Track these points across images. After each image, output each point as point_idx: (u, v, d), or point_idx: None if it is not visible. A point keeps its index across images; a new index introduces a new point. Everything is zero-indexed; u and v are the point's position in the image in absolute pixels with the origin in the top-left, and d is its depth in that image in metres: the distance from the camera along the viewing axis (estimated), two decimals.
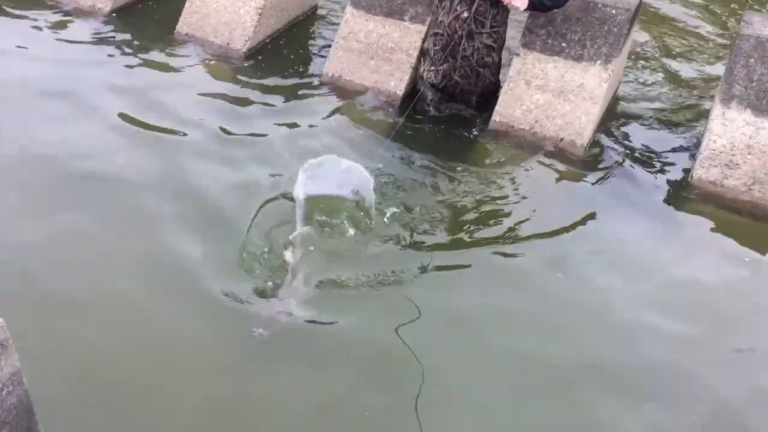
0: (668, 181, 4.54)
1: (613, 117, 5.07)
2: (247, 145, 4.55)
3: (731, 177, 4.43)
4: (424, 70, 4.90)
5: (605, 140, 4.83)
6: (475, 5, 4.53)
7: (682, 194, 4.44)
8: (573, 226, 4.11)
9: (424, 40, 4.98)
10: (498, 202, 4.23)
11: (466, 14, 4.55)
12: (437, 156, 4.55)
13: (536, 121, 4.79)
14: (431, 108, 4.89)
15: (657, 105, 5.23)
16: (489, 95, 4.94)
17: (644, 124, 5.03)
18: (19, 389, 1.92)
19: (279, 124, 4.77)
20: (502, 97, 4.89)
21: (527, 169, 4.52)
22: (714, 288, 3.78)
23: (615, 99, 5.20)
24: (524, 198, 4.27)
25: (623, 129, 4.98)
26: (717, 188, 4.44)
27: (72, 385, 2.94)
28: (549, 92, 4.81)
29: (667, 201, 4.39)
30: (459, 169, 4.46)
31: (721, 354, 3.39)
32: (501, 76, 4.99)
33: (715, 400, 3.16)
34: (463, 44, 4.63)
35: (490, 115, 4.86)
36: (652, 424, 3.03)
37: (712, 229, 4.20)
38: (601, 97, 4.73)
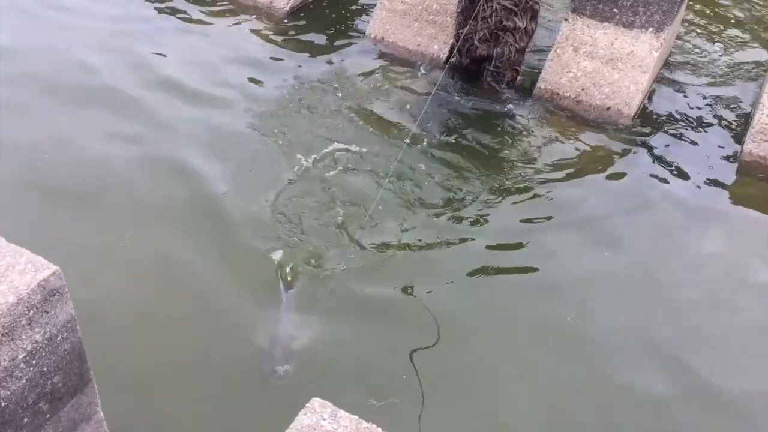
0: (717, 155, 4.42)
1: (662, 87, 4.94)
2: (280, 104, 4.52)
3: None
4: (452, 54, 4.83)
5: (653, 111, 4.72)
6: None
7: (731, 168, 4.33)
8: (618, 199, 4.04)
9: None
10: (541, 173, 4.16)
11: None
12: (477, 122, 4.48)
13: (583, 89, 4.69)
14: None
15: (707, 77, 5.08)
16: (510, 63, 4.69)
17: (694, 96, 4.89)
18: (72, 336, 1.93)
19: (320, 84, 4.72)
20: (548, 63, 4.79)
21: (572, 139, 4.43)
22: (759, 263, 3.69)
23: (665, 68, 5.06)
24: (569, 168, 4.19)
25: (672, 99, 4.85)
26: (767, 163, 4.33)
27: (120, 334, 2.97)
28: (597, 59, 4.70)
29: (716, 175, 4.28)
30: (499, 136, 4.39)
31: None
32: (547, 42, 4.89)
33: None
34: (482, 5, 4.48)
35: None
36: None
37: (761, 204, 4.09)
38: (651, 67, 4.61)
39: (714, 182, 4.22)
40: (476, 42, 4.59)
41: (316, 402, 1.58)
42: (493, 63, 4.64)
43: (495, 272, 3.50)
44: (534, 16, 4.57)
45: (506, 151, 4.29)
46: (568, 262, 3.60)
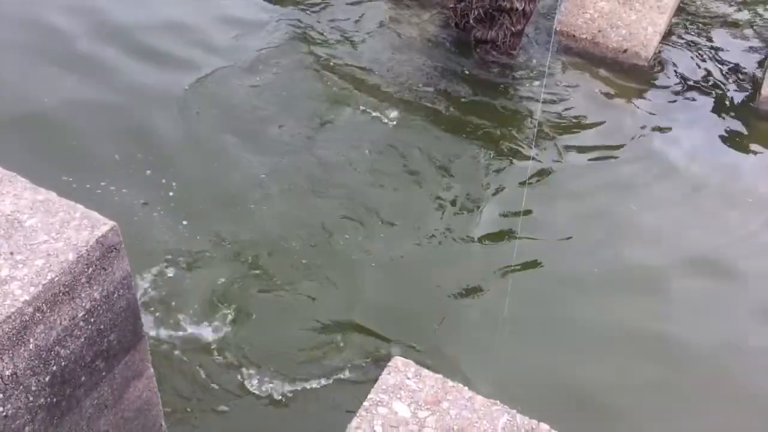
0: (735, 99, 4.39)
1: (677, 29, 4.85)
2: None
3: None
4: (451, 19, 4.49)
5: (670, 53, 4.66)
6: None
7: (750, 111, 4.30)
8: (637, 145, 4.00)
9: None
10: (558, 116, 4.10)
11: None
12: (486, 68, 4.38)
13: (599, 31, 4.60)
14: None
15: (724, 18, 5.00)
16: (505, 46, 4.36)
17: (710, 39, 4.82)
18: (128, 293, 1.87)
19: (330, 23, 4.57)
20: (564, 4, 4.68)
21: (589, 82, 4.36)
22: None
23: (680, 9, 4.97)
24: (585, 113, 4.14)
25: (688, 41, 4.78)
26: None
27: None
28: (614, 0, 4.60)
29: (734, 118, 4.25)
30: (514, 79, 4.30)
31: None
32: None
33: None
34: None
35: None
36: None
37: None
38: (670, 7, 4.53)
39: (732, 125, 4.19)
40: (471, 21, 4.28)
41: (398, 361, 1.55)
42: (488, 48, 4.35)
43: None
44: None
45: (517, 95, 4.20)
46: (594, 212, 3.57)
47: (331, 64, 4.19)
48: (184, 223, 3.20)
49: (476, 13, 4.22)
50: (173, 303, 2.88)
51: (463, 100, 4.07)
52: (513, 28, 4.24)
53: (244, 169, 3.53)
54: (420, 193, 3.50)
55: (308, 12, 4.60)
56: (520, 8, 4.15)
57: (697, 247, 3.41)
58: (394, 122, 3.85)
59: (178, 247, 3.10)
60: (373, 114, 3.88)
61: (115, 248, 1.78)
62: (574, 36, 4.63)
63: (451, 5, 4.39)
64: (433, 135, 3.84)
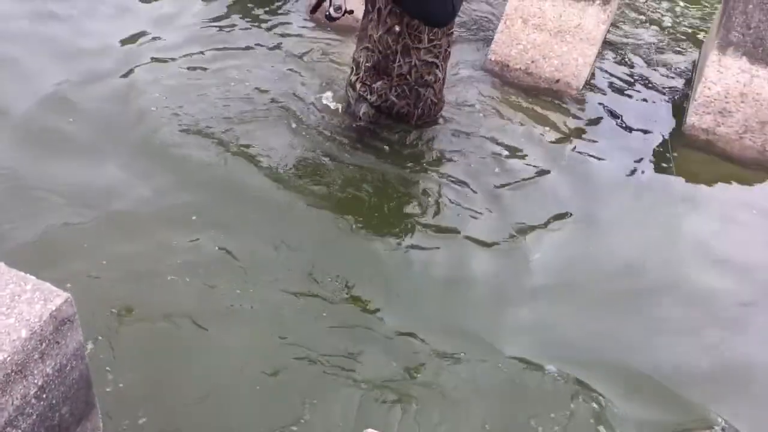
0: (661, 128, 4.55)
1: (605, 60, 5.02)
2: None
3: (724, 125, 4.47)
4: (356, 80, 4.06)
5: (599, 83, 4.80)
6: (407, 17, 3.68)
7: (675, 141, 4.46)
8: (567, 171, 4.08)
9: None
10: (491, 145, 4.15)
11: (398, 28, 3.71)
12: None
13: (532, 61, 4.70)
14: (363, 122, 4.06)
15: (647, 50, 5.20)
16: (430, 116, 4.15)
17: (638, 67, 5.00)
18: (81, 364, 1.79)
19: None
20: (498, 35, 4.77)
21: (522, 110, 4.44)
22: (703, 234, 3.82)
23: (609, 39, 5.14)
24: (518, 141, 4.21)
25: (616, 72, 4.94)
26: (709, 136, 4.48)
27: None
28: (546, 32, 4.71)
29: (660, 147, 4.40)
30: (452, 107, 4.35)
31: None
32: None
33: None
34: (399, 61, 3.81)
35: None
36: None
37: (703, 177, 4.24)
38: (599, 39, 4.67)
39: (658, 154, 4.33)
40: (392, 98, 3.97)
41: None
42: (414, 121, 4.10)
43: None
44: (447, 57, 4.01)
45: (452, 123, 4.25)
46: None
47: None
48: None
49: (399, 90, 3.93)
50: None
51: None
52: (435, 98, 4.06)
53: None
54: None
55: None
56: (443, 76, 4.01)
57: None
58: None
59: None
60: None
61: (69, 320, 1.70)
62: (508, 66, 4.72)
63: (368, 83, 3.98)
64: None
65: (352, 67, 4.11)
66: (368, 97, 4.00)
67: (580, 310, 3.27)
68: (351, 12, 3.69)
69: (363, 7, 3.90)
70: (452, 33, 3.91)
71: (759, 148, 4.41)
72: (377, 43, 3.80)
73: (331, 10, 3.62)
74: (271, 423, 2.60)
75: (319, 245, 3.36)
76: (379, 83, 3.93)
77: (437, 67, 3.90)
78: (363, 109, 4.01)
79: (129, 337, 2.79)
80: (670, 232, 3.77)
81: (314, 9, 3.90)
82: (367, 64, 3.93)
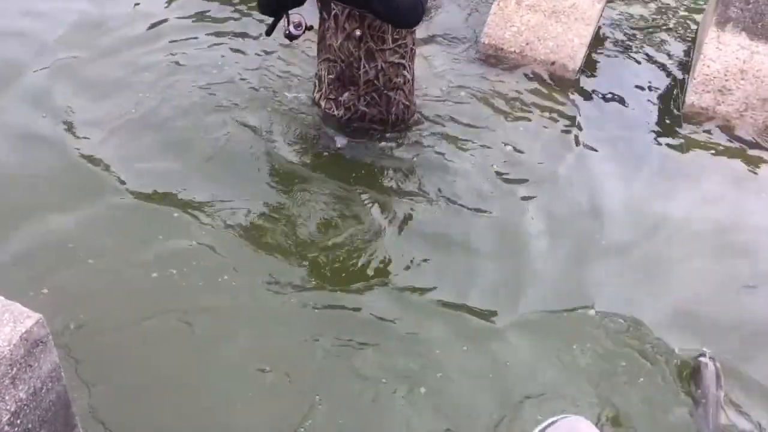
0: (660, 108, 4.45)
1: (600, 41, 4.90)
2: None
3: (724, 103, 4.36)
4: (320, 97, 3.85)
5: (596, 64, 4.69)
6: (368, 19, 3.43)
7: (674, 120, 4.36)
8: (563, 155, 3.98)
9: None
10: (484, 127, 4.06)
11: (359, 32, 3.46)
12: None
13: (527, 44, 4.58)
14: (337, 143, 3.81)
15: (644, 28, 5.08)
16: (405, 121, 3.94)
17: (633, 48, 4.88)
18: (57, 385, 1.71)
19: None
20: (491, 17, 4.65)
21: (516, 95, 4.34)
22: (705, 212, 3.76)
23: (605, 18, 5.01)
24: (512, 125, 4.12)
25: (612, 52, 4.83)
26: (709, 114, 4.38)
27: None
28: (540, 12, 4.60)
29: (660, 127, 4.30)
30: (444, 89, 4.24)
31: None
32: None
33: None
34: (364, 67, 3.57)
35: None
36: None
37: (704, 155, 4.15)
38: (594, 19, 4.55)
39: (658, 135, 4.23)
40: (362, 108, 3.74)
41: None
42: (388, 129, 3.88)
43: None
44: (413, 56, 3.78)
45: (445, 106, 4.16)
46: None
47: None
48: None
49: (368, 98, 3.71)
50: None
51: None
52: (406, 101, 3.84)
53: None
54: None
55: None
56: (411, 77, 3.78)
57: None
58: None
59: None
60: None
61: (41, 341, 1.62)
62: (502, 49, 4.60)
63: (332, 97, 3.78)
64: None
65: (315, 83, 3.93)
66: (335, 112, 3.79)
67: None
68: (311, 28, 3.53)
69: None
70: (415, 31, 3.68)
71: (760, 125, 4.30)
72: (338, 52, 3.56)
73: (291, 27, 3.44)
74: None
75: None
76: (345, 95, 3.70)
77: (405, 68, 3.69)
78: (339, 142, 3.79)
79: (108, 350, 2.71)
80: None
81: (269, 31, 3.58)
82: (330, 77, 3.71)
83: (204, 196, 3.44)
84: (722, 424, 2.74)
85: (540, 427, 1.34)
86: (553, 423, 1.33)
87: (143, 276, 3.01)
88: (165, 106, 3.94)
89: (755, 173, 4.05)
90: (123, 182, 3.46)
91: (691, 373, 2.89)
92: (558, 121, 4.21)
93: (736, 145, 4.23)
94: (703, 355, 2.90)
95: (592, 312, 3.13)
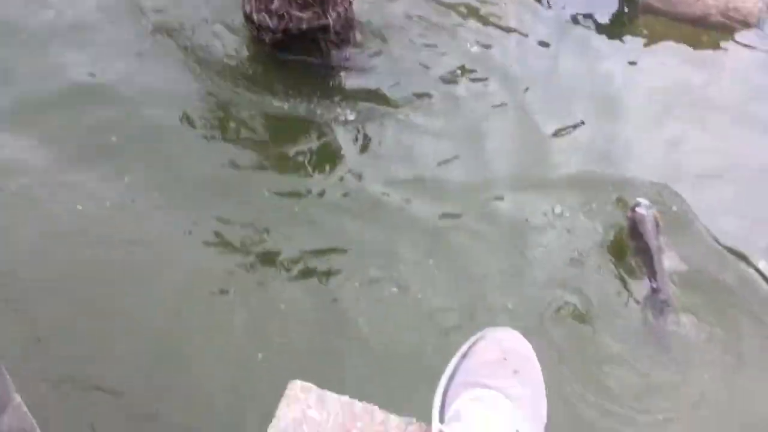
0: None
1: None
2: None
3: None
4: (251, 10, 3.43)
5: None
6: None
7: (633, 7, 4.23)
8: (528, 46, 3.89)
9: None
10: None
11: None
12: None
13: None
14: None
15: None
16: (350, 25, 3.56)
17: None
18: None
19: None
20: None
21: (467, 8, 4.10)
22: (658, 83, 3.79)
23: None
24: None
25: None
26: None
27: None
28: None
29: (616, 14, 4.16)
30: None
31: None
32: None
33: None
34: None
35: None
36: None
37: (660, 38, 4.08)
38: None
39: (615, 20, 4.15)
40: (296, 13, 3.33)
41: (297, 386, 1.35)
42: (331, 31, 3.46)
43: None
44: None
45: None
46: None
47: None
48: None
49: (300, 1, 3.33)
50: None
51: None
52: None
53: None
54: None
55: None
56: None
57: None
58: None
59: None
60: None
61: None
62: None
63: (262, 6, 3.40)
64: None
65: None
66: (270, 24, 3.39)
67: None
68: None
69: None
70: None
71: (722, 7, 4.15)
72: None
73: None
74: None
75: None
76: (276, 2, 3.33)
77: None
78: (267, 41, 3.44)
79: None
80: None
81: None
82: None
83: None
84: (667, 270, 2.80)
85: (468, 344, 1.25)
86: (482, 338, 1.24)
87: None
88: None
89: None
90: None
91: (629, 226, 2.87)
92: (508, 28, 4.01)
93: (695, 28, 4.12)
94: (638, 205, 2.86)
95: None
